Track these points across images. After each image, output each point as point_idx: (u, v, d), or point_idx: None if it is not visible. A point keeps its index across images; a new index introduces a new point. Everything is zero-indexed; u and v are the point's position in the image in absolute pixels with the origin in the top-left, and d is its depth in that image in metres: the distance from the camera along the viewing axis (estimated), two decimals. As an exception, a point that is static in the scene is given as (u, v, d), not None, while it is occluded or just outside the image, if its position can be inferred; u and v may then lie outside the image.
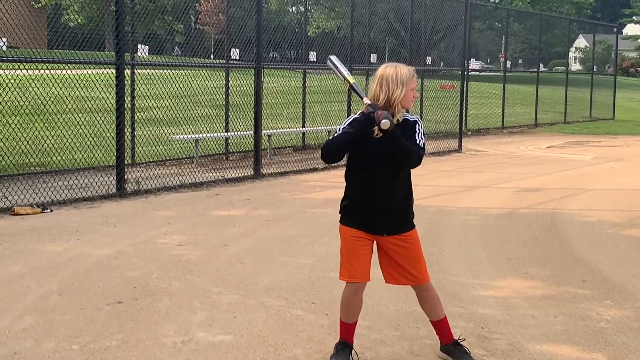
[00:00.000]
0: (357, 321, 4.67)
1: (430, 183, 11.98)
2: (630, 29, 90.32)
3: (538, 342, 5.14)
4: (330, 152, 4.39)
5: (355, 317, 4.64)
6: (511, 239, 8.35)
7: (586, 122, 27.45)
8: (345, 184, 4.61)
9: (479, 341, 5.10)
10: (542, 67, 29.64)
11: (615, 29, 34.85)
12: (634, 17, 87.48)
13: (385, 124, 4.18)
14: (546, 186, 12.31)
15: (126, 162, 10.92)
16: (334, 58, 4.66)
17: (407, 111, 4.51)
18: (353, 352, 4.66)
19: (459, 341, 4.76)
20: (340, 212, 4.62)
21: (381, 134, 4.28)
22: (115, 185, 10.51)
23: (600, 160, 16.38)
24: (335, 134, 4.43)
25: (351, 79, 4.55)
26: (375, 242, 4.58)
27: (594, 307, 5.93)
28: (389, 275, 4.62)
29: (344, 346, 4.64)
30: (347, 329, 4.66)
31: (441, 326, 4.75)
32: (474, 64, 26.69)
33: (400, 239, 4.54)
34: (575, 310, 5.84)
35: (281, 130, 16.23)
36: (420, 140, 4.45)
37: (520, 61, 32.46)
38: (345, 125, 4.40)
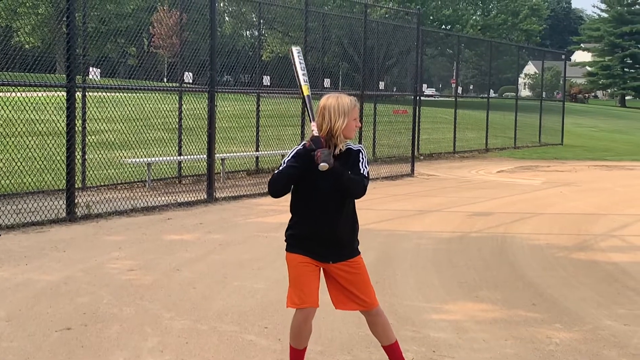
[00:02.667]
0: (307, 346, 4.67)
1: (383, 207, 12.05)
2: (578, 56, 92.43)
3: (489, 365, 5.18)
4: (278, 188, 4.44)
5: (305, 343, 4.64)
6: (462, 263, 8.43)
7: (535, 147, 27.91)
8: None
9: (430, 365, 5.12)
10: (492, 93, 30.07)
11: (563, 56, 35.59)
12: (581, 45, 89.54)
13: (323, 167, 4.20)
14: (496, 210, 12.47)
15: (77, 186, 10.79)
16: (296, 52, 4.64)
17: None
18: None
19: None
20: (286, 241, 4.61)
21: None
22: (65, 210, 10.36)
23: (549, 184, 16.65)
24: (281, 167, 4.43)
25: (306, 90, 4.56)
26: (321, 269, 4.58)
27: (543, 330, 6.01)
28: (338, 301, 4.63)
29: None
30: (298, 355, 4.65)
31: (393, 351, 4.77)
32: (427, 91, 27.01)
33: (347, 264, 4.55)
34: (525, 334, 5.91)
35: (235, 154, 16.20)
36: (364, 170, 4.48)
37: (471, 87, 32.96)
38: (289, 158, 4.42)
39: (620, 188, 16.31)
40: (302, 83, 4.59)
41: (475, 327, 6.04)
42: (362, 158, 4.50)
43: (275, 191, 4.44)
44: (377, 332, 4.74)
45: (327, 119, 4.43)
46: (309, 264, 4.51)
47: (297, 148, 4.46)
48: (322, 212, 4.47)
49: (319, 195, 4.44)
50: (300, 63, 4.62)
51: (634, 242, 10.12)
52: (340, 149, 4.45)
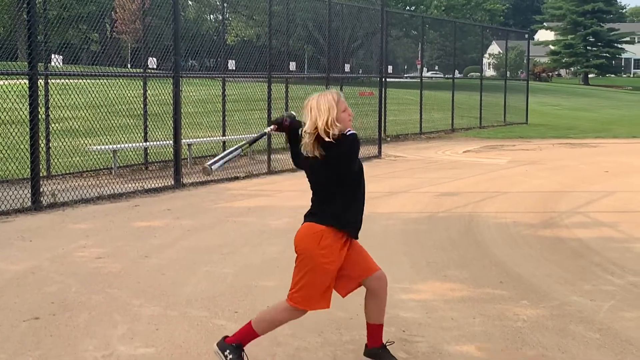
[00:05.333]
0: None
1: (351, 189, 12.04)
2: (541, 35, 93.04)
3: (458, 343, 5.25)
4: None
5: None
6: (430, 243, 8.50)
7: (501, 127, 28.13)
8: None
9: (400, 344, 5.17)
10: (457, 74, 30.22)
11: (527, 35, 35.89)
12: (544, 24, 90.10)
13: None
14: (463, 190, 12.57)
15: (41, 175, 10.67)
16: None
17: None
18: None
19: (387, 345, 4.83)
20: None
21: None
22: (30, 199, 10.25)
23: (514, 163, 16.81)
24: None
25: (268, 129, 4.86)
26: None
27: (511, 308, 6.09)
28: (346, 286, 4.69)
29: (242, 351, 4.61)
30: (251, 339, 4.65)
31: (379, 330, 4.81)
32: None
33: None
34: (493, 311, 5.98)
35: (201, 139, 16.13)
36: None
37: (436, 67, 33.06)
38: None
39: (584, 165, 16.52)
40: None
41: (444, 306, 6.11)
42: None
43: None
44: (377, 305, 4.74)
45: (312, 117, 4.50)
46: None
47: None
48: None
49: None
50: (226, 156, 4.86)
51: (598, 218, 10.27)
52: (333, 139, 4.47)
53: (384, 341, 4.83)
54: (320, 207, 4.57)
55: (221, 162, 4.73)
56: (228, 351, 4.58)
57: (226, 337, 4.67)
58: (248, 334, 4.63)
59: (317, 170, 4.56)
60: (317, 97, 4.55)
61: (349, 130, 4.55)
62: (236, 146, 4.84)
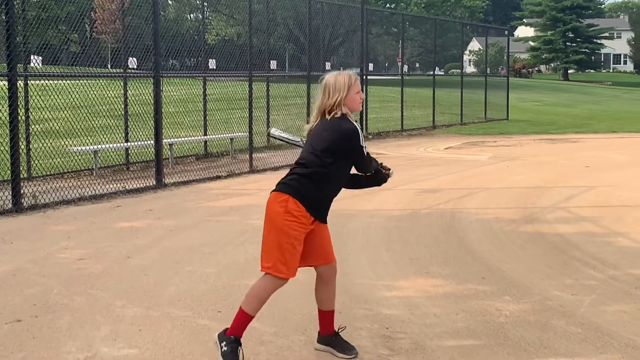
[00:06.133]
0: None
1: (333, 187, 12.05)
2: (521, 31, 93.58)
3: (441, 339, 5.27)
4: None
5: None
6: (413, 240, 8.53)
7: (482, 123, 28.23)
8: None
9: (383, 341, 5.19)
10: (438, 70, 30.29)
11: (506, 32, 35.99)
12: (524, 20, 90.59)
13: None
14: (445, 187, 12.62)
15: (22, 176, 10.62)
16: (277, 134, 5.11)
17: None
18: (242, 352, 4.68)
19: (339, 331, 4.92)
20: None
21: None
22: (11, 200, 10.19)
23: (496, 159, 16.89)
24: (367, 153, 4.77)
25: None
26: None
27: (493, 303, 6.12)
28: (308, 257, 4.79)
29: (239, 345, 4.64)
30: (247, 323, 4.71)
31: (330, 317, 4.91)
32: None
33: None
34: (476, 307, 6.01)
35: (183, 138, 16.09)
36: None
37: (417, 65, 33.13)
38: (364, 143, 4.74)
39: (564, 161, 16.62)
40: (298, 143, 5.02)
41: (426, 303, 6.13)
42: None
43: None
44: (327, 292, 4.87)
45: (326, 94, 4.69)
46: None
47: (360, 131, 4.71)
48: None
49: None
50: (288, 136, 5.08)
51: (579, 213, 10.34)
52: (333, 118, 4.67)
53: (336, 328, 4.92)
54: (291, 177, 4.68)
55: (283, 135, 5.04)
56: (224, 343, 4.64)
57: (227, 328, 4.73)
58: (242, 319, 4.69)
59: (307, 141, 4.74)
60: (335, 76, 4.72)
61: (352, 122, 4.68)
62: (299, 138, 5.03)
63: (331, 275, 4.86)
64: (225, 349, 4.61)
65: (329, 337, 4.91)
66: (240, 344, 4.65)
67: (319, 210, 4.70)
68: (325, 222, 4.79)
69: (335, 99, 4.64)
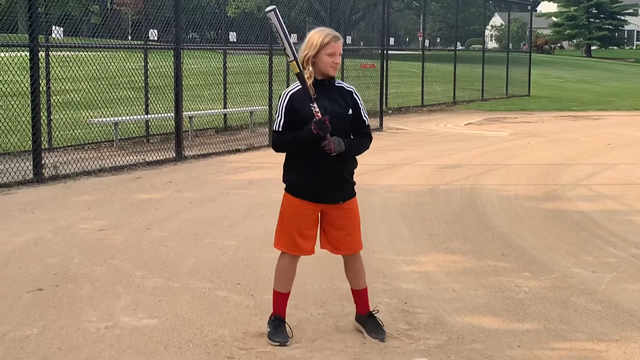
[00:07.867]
0: (290, 291, 4.79)
1: (353, 162, 12.02)
2: (544, 7, 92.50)
3: (459, 315, 5.26)
4: (286, 150, 4.68)
5: (290, 286, 4.78)
6: (432, 215, 8.50)
7: (503, 99, 28.02)
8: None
9: (402, 316, 5.19)
10: (459, 46, 30.03)
11: (529, 7, 35.58)
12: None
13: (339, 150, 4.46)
14: (465, 162, 12.56)
15: (43, 147, 10.67)
16: (273, 14, 4.49)
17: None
18: (288, 327, 4.75)
19: (372, 313, 4.89)
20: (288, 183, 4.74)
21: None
22: (32, 171, 10.25)
23: (516, 136, 16.77)
24: (276, 136, 4.55)
25: (295, 68, 4.46)
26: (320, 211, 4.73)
27: (512, 279, 6.10)
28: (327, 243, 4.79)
29: (280, 322, 4.74)
30: (282, 300, 4.76)
31: (360, 296, 4.89)
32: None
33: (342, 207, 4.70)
34: (495, 283, 5.99)
35: (202, 111, 16.09)
36: (366, 120, 4.80)
37: (438, 40, 32.87)
38: (281, 120, 4.52)
39: (586, 138, 16.48)
40: (294, 59, 4.47)
41: (445, 278, 6.12)
42: (362, 105, 4.72)
43: (284, 151, 4.68)
44: (349, 274, 4.89)
45: (301, 49, 4.56)
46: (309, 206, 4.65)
47: (284, 105, 4.52)
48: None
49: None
50: (282, 28, 4.50)
51: (601, 190, 10.26)
52: (326, 83, 4.56)
53: (371, 309, 4.90)
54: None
55: (279, 30, 4.50)
56: (268, 325, 4.79)
57: None
58: (276, 299, 4.79)
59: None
60: (313, 32, 4.59)
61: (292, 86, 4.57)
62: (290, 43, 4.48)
63: (349, 260, 4.83)
64: (269, 329, 4.74)
65: (362, 316, 4.89)
66: (282, 321, 4.74)
67: (298, 190, 4.67)
68: (333, 202, 4.66)
69: (304, 55, 4.49)
